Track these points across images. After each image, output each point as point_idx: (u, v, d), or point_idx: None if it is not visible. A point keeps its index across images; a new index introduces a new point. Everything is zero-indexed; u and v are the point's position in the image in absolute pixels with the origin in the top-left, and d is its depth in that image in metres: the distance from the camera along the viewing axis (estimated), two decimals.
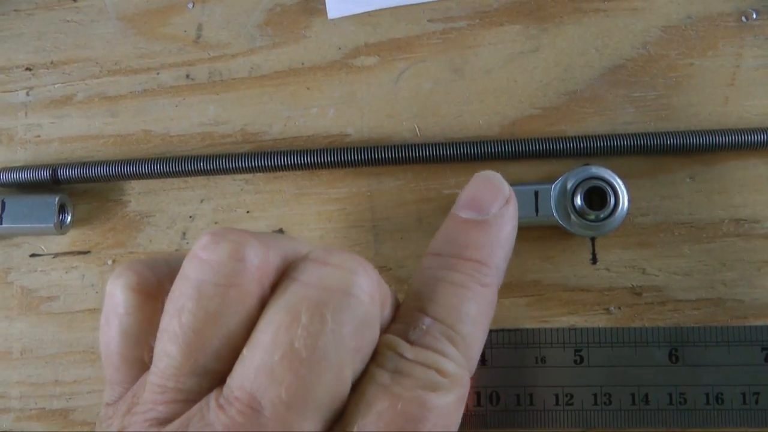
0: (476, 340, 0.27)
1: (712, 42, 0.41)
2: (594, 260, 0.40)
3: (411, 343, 0.25)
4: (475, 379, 0.39)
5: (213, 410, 0.23)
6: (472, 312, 0.27)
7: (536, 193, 0.39)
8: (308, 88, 0.42)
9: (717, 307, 0.39)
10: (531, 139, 0.39)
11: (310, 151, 0.40)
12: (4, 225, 0.41)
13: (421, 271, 0.29)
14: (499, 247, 0.28)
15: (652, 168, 0.40)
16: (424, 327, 0.26)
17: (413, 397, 0.24)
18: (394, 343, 0.25)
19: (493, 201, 0.29)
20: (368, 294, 0.24)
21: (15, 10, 0.44)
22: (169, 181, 0.42)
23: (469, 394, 0.38)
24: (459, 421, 0.26)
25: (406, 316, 0.26)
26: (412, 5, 0.42)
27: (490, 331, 0.39)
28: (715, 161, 0.40)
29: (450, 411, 0.25)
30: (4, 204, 0.41)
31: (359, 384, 0.25)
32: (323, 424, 0.23)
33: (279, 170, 0.41)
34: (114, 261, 0.42)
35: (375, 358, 0.25)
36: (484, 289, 0.27)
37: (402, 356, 0.25)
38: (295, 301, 0.23)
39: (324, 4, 0.42)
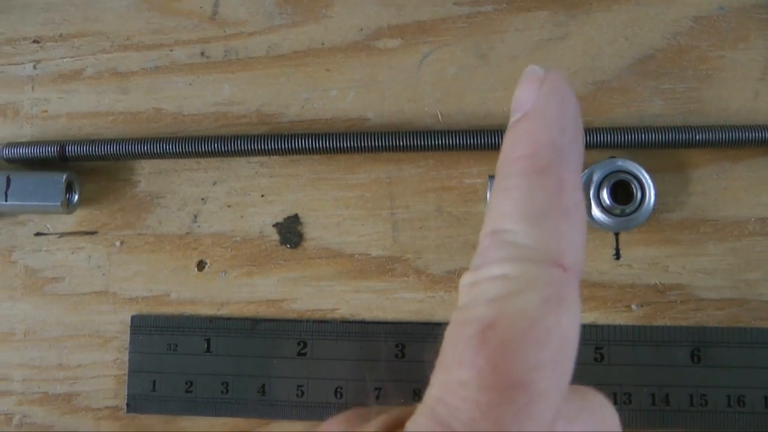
0: (549, 226, 0.22)
1: (744, 34, 0.39)
2: (617, 256, 0.39)
3: (476, 269, 0.23)
4: None
5: None
6: (529, 201, 0.23)
7: None
8: (328, 70, 0.41)
9: (741, 308, 0.38)
10: None
11: (328, 134, 0.39)
12: (9, 202, 0.39)
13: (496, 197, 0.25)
14: (546, 130, 0.24)
15: (679, 162, 0.39)
16: (485, 245, 0.23)
17: (478, 316, 0.21)
18: (460, 281, 0.23)
19: (528, 92, 0.25)
20: None
21: None
22: (181, 161, 0.41)
23: None
24: (564, 327, 0.21)
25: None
26: None
27: None
28: (743, 157, 0.39)
29: (535, 314, 0.21)
30: (9, 180, 0.39)
31: None
32: None
33: (295, 154, 0.39)
34: (122, 242, 0.41)
35: None
36: (537, 176, 0.23)
37: (467, 287, 0.23)
38: None
39: None
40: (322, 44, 0.41)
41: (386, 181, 0.40)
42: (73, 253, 0.41)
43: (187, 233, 0.41)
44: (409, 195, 0.40)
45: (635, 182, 0.37)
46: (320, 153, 0.39)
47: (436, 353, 0.24)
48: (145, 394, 0.40)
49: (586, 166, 0.38)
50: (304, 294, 0.40)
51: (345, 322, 0.39)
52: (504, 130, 0.38)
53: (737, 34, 0.39)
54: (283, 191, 0.40)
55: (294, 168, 0.40)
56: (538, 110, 0.24)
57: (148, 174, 0.41)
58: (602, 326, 0.38)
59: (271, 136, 0.39)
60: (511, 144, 0.25)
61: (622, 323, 0.38)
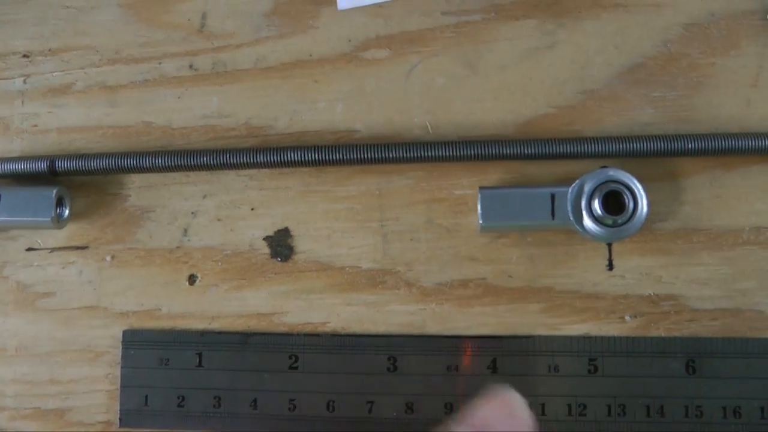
0: None
1: (735, 41, 0.39)
2: (610, 266, 0.38)
3: None
4: (486, 386, 0.38)
5: None
6: None
7: (552, 197, 0.37)
8: (316, 81, 0.40)
9: (735, 318, 0.37)
10: (547, 141, 0.38)
11: (317, 147, 0.39)
12: None
13: None
14: None
15: (671, 171, 0.39)
16: None
17: None
18: None
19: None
20: None
21: None
22: (171, 175, 0.41)
23: None
24: None
25: None
26: None
27: (501, 338, 0.38)
28: (736, 165, 0.38)
29: None
30: None
31: None
32: None
33: (285, 166, 0.39)
34: (113, 257, 0.41)
35: None
36: None
37: None
38: None
39: None
40: (310, 56, 0.41)
41: (376, 193, 0.40)
42: (64, 268, 0.41)
43: (177, 247, 0.40)
44: (399, 207, 0.39)
45: (627, 192, 0.37)
46: (309, 165, 0.39)
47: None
48: (137, 408, 0.39)
49: (576, 174, 0.38)
50: (295, 307, 0.39)
51: (336, 336, 0.39)
52: (494, 140, 0.38)
53: (728, 41, 0.39)
54: (273, 204, 0.40)
55: (283, 181, 0.40)
56: None
57: (137, 188, 0.41)
58: (596, 338, 0.38)
59: (260, 150, 0.39)
60: None
61: (615, 334, 0.38)
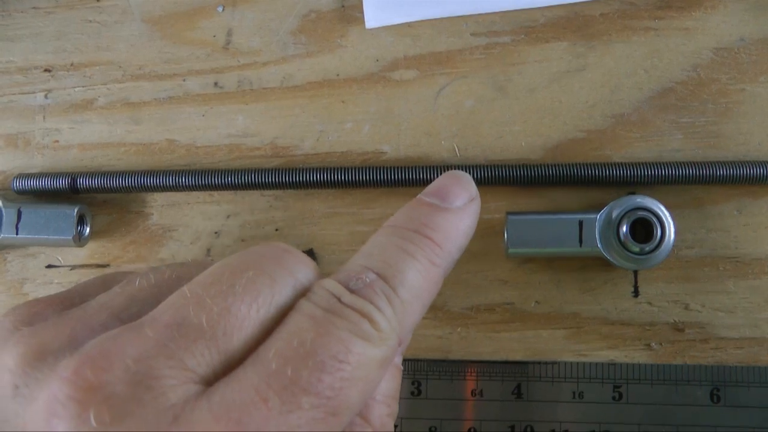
0: (413, 311, 0.26)
1: (765, 66, 0.39)
2: (636, 293, 0.38)
3: (350, 291, 0.25)
4: (511, 412, 0.38)
5: None
6: (417, 282, 0.26)
7: (581, 223, 0.37)
8: (343, 102, 0.40)
9: (761, 347, 0.37)
10: (575, 165, 0.38)
11: (344, 168, 0.38)
12: (20, 235, 0.39)
13: (375, 237, 0.28)
14: (456, 237, 0.28)
15: (699, 198, 0.38)
16: (367, 280, 0.25)
17: (340, 336, 0.23)
18: (332, 286, 0.25)
19: (459, 195, 0.29)
20: None
21: (34, 8, 0.42)
22: (194, 194, 0.40)
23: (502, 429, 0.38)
24: (375, 385, 0.24)
25: (351, 270, 0.26)
26: (454, 17, 0.40)
27: (526, 363, 0.38)
28: (763, 194, 0.38)
29: (371, 367, 0.23)
30: (20, 213, 0.39)
31: (284, 319, 0.24)
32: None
33: (310, 187, 0.39)
34: None
35: (308, 296, 0.24)
36: (432, 267, 0.27)
37: (338, 299, 0.24)
38: None
39: (362, 12, 0.40)
40: (337, 75, 0.40)
41: None
42: None
43: None
44: None
45: (655, 220, 0.37)
46: (335, 187, 0.39)
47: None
48: None
49: (603, 200, 0.37)
50: None
51: None
52: (522, 164, 0.38)
53: (758, 66, 0.39)
54: (298, 225, 0.40)
55: (309, 202, 0.40)
56: (460, 218, 0.29)
57: (160, 206, 0.41)
58: (621, 365, 0.38)
59: (286, 170, 0.38)
60: (425, 221, 0.28)
61: (641, 362, 0.38)
